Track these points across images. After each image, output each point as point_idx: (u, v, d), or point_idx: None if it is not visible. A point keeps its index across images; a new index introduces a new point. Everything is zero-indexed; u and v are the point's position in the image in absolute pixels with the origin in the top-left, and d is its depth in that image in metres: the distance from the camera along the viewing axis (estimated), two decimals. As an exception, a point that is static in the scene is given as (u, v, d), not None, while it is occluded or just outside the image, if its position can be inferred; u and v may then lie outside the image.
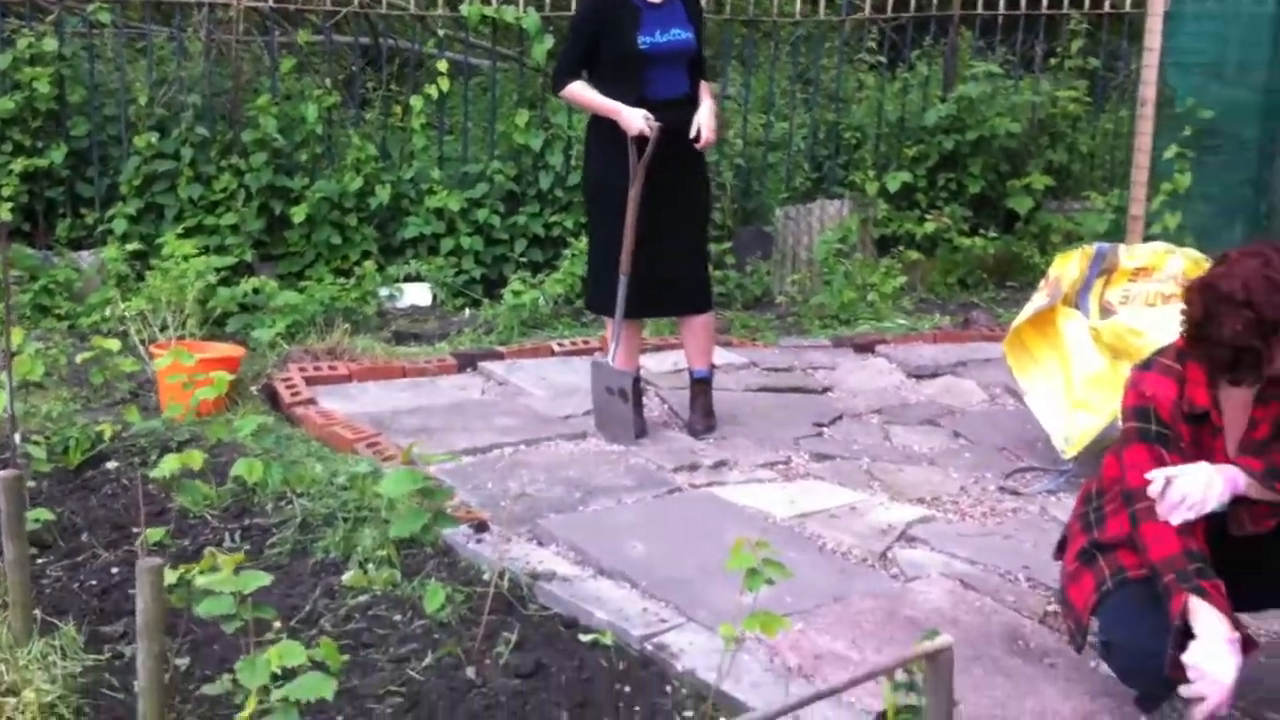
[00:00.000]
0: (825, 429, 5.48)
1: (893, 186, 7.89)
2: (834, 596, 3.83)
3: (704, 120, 4.98)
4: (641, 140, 4.90)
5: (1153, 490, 2.92)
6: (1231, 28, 5.83)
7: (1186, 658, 2.74)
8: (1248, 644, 2.80)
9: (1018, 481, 4.90)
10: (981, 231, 7.98)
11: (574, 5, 5.39)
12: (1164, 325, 4.65)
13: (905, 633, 3.52)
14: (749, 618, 3.02)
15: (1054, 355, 4.96)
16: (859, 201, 7.89)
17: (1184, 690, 2.76)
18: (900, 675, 2.88)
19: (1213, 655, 2.71)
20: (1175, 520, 2.89)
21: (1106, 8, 8.33)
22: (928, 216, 7.93)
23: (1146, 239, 6.49)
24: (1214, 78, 7.09)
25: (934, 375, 6.26)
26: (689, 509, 4.52)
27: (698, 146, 5.00)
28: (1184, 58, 6.89)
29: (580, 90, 5.06)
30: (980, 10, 8.39)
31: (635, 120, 4.88)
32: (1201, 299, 2.95)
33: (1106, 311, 5.02)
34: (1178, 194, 6.77)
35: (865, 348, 6.66)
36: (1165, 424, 3.00)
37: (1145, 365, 3.13)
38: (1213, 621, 2.75)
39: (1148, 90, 6.45)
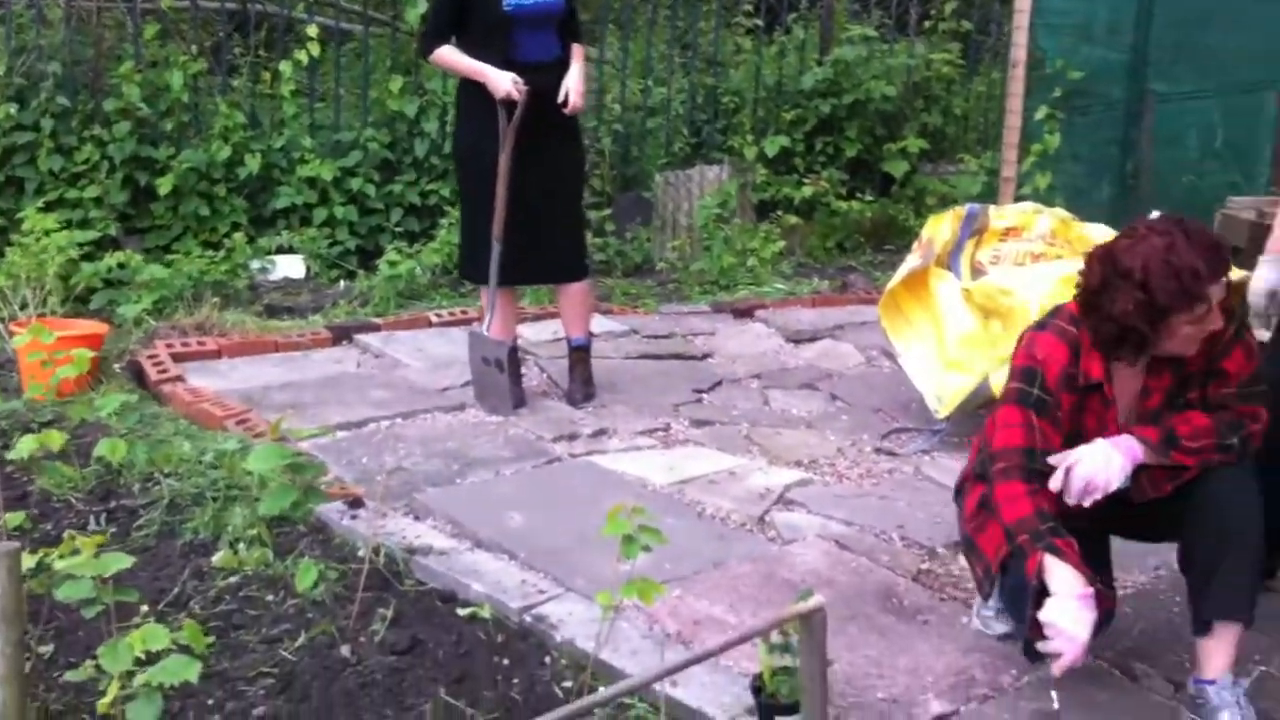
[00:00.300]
0: (705, 395, 5.49)
1: (771, 151, 7.91)
2: (713, 562, 3.83)
3: (572, 84, 4.92)
4: (510, 104, 4.83)
5: (1054, 483, 2.92)
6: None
7: (1042, 615, 2.78)
8: (1101, 599, 2.85)
9: (893, 442, 4.95)
10: (858, 195, 8.05)
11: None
12: (1033, 284, 4.74)
13: (783, 595, 3.53)
14: (626, 585, 3.01)
15: (927, 316, 5.01)
16: (738, 166, 7.91)
17: (1041, 647, 2.81)
18: (776, 637, 2.90)
19: (1066, 612, 2.75)
20: (1087, 504, 2.91)
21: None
22: (805, 181, 7.98)
23: (1018, 199, 6.59)
24: (1083, 39, 7.20)
25: (812, 339, 6.30)
26: (568, 478, 4.49)
27: (566, 111, 4.94)
28: (1053, 19, 6.99)
29: (447, 54, 4.97)
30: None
31: (503, 83, 4.81)
32: (1100, 269, 2.89)
33: (978, 272, 5.08)
34: (1048, 155, 6.87)
35: (745, 313, 6.68)
36: (1048, 390, 2.95)
37: (1041, 325, 3.05)
38: (1066, 578, 2.78)
39: (1018, 52, 6.54)
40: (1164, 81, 6.25)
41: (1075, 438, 2.97)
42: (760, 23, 8.59)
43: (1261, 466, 3.46)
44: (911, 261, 5.08)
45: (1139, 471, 2.98)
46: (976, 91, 8.96)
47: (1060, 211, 5.21)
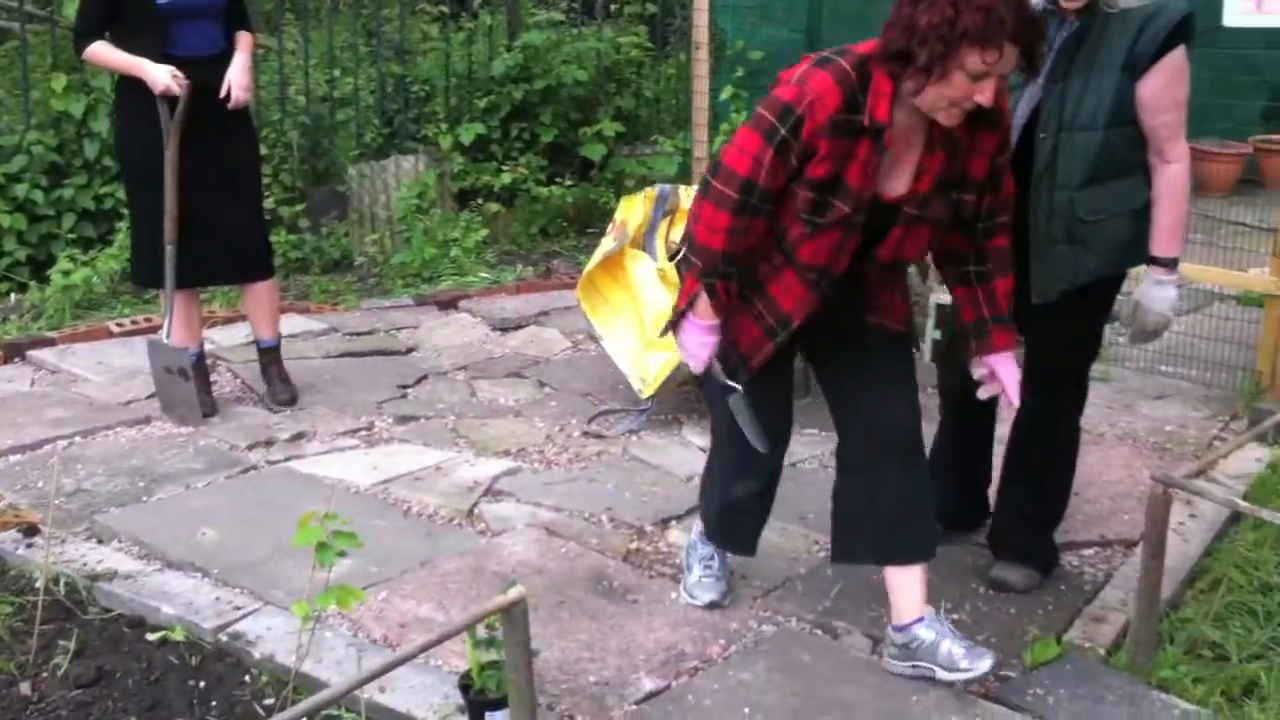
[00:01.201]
0: (410, 390, 5.36)
1: (467, 139, 7.81)
2: (420, 561, 3.74)
3: (234, 77, 4.68)
4: (171, 98, 4.58)
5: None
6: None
7: (679, 335, 3.12)
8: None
9: (601, 425, 4.95)
10: (558, 180, 8.04)
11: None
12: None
13: (492, 589, 3.47)
14: (323, 594, 2.88)
15: (626, 298, 5.03)
16: (434, 156, 7.77)
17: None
18: (481, 632, 2.84)
19: (689, 332, 3.08)
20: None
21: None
22: (504, 168, 7.91)
23: (711, 178, 6.69)
24: (762, 19, 7.39)
25: (518, 327, 6.25)
26: (265, 487, 4.30)
27: (229, 106, 4.71)
28: (731, 1, 7.13)
29: (101, 50, 4.67)
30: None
31: (160, 76, 4.54)
32: None
33: (673, 251, 5.14)
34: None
35: (449, 304, 6.57)
36: (799, 135, 2.77)
37: (824, 61, 2.82)
38: (703, 309, 3.03)
39: (699, 34, 6.63)
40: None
41: (832, 186, 2.82)
42: (446, 9, 8.46)
43: (960, 418, 3.63)
44: (606, 245, 5.09)
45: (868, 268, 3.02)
46: (666, 74, 9.08)
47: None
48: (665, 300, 4.88)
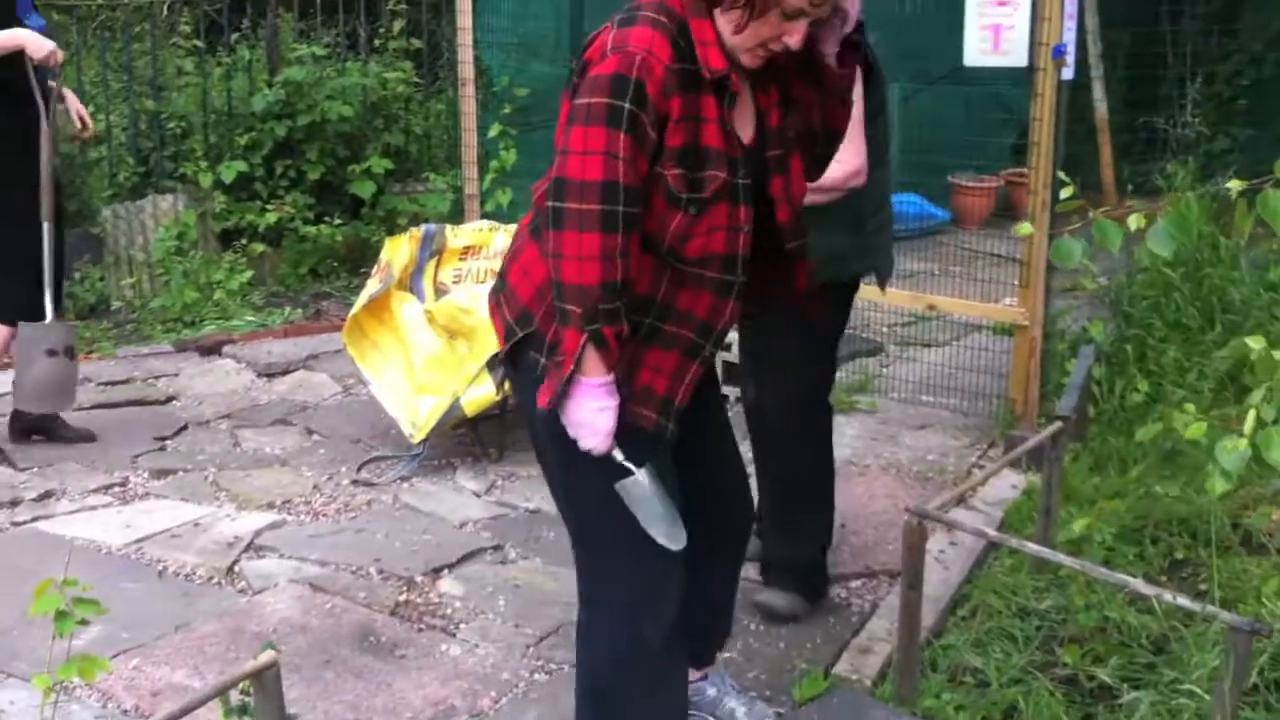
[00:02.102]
0: (169, 441, 5.13)
1: (228, 177, 7.54)
2: (175, 624, 3.56)
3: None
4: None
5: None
6: (533, 6, 6.05)
7: (570, 412, 2.42)
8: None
9: (371, 472, 4.82)
10: (327, 219, 7.84)
11: None
12: (492, 301, 4.76)
13: (252, 651, 3.30)
14: (65, 664, 2.69)
15: (393, 340, 4.93)
16: (194, 195, 7.49)
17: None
18: (236, 698, 2.70)
19: (582, 399, 2.39)
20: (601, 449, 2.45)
21: (422, -11, 8.44)
22: (269, 207, 7.68)
23: (483, 216, 6.64)
24: (530, 56, 7.38)
25: (285, 372, 6.06)
26: (8, 551, 4.05)
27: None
28: (496, 37, 7.10)
29: None
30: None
31: (46, 43, 4.61)
32: None
33: (441, 292, 5.06)
34: (505, 171, 6.98)
35: (211, 349, 6.33)
36: (646, 100, 2.32)
37: (625, 22, 2.40)
38: (592, 366, 2.37)
39: (464, 70, 6.56)
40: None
41: (696, 155, 2.40)
42: (201, 44, 8.18)
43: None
44: (372, 287, 4.99)
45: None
46: (436, 110, 8.98)
47: (515, 228, 5.27)
48: (433, 343, 4.80)
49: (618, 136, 2.29)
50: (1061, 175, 2.42)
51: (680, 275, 2.47)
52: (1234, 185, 1.88)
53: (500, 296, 2.65)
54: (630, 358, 2.46)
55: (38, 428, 5.00)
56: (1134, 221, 1.91)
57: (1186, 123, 6.47)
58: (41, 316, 4.79)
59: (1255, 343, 2.18)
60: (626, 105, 2.29)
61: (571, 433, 2.43)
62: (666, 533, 2.44)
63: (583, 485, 2.57)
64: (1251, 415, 1.99)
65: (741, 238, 2.47)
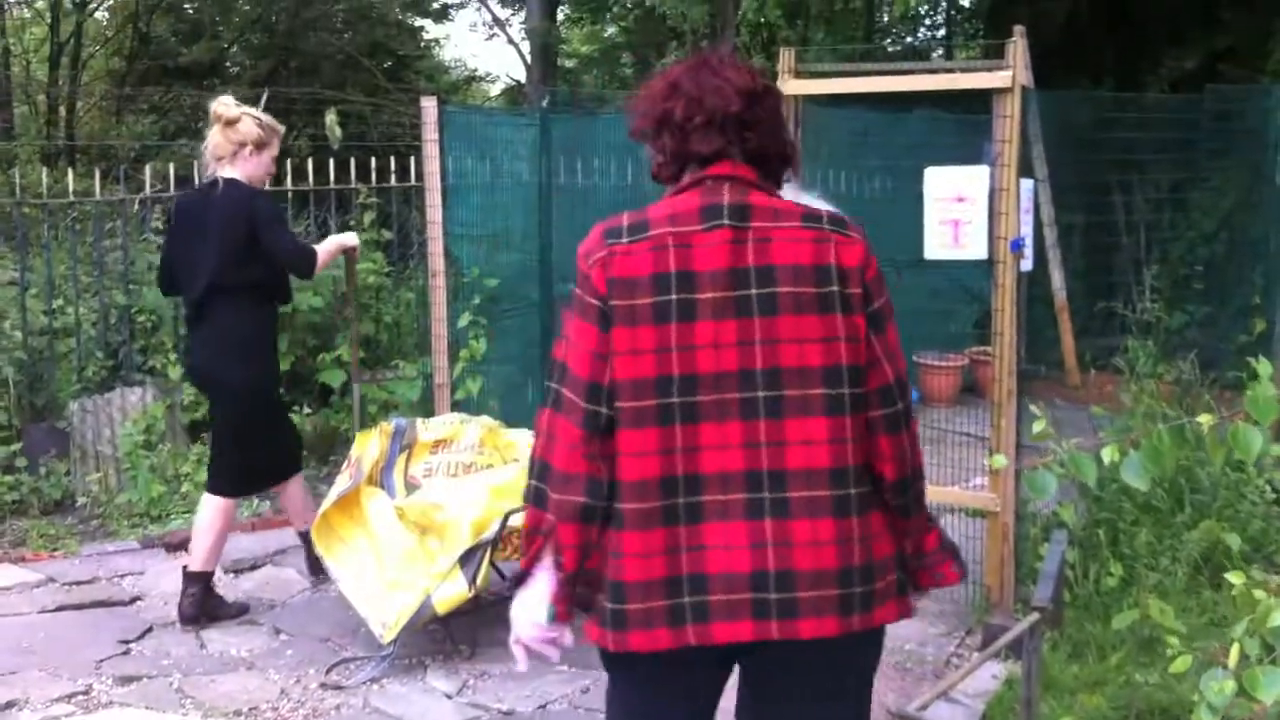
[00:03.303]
0: (133, 645, 5.03)
1: (197, 369, 7.55)
2: (137, 847, 3.44)
3: None
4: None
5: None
6: (501, 199, 6.17)
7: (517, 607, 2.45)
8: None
9: (340, 674, 4.73)
10: (296, 408, 7.84)
11: None
12: (464, 497, 4.75)
13: None
14: None
15: (363, 536, 4.89)
16: (163, 387, 7.49)
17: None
18: None
19: (526, 623, 2.43)
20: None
21: (392, 182, 8.59)
22: (238, 397, 7.66)
23: (453, 406, 6.66)
24: (499, 247, 7.49)
25: (253, 568, 5.98)
26: (-37, 771, 3.92)
27: None
28: (466, 229, 7.21)
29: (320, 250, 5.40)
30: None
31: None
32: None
33: (412, 486, 5.05)
34: (476, 360, 7.02)
35: (178, 546, 6.23)
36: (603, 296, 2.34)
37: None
38: (539, 594, 2.40)
39: (435, 261, 6.66)
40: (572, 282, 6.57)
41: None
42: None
43: None
44: (342, 484, 4.96)
45: None
46: (405, 298, 9.07)
47: (487, 420, 5.30)
48: (405, 538, 4.76)
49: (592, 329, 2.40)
50: (1033, 409, 2.46)
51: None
52: (1204, 420, 1.92)
53: None
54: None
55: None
56: (1108, 454, 1.94)
57: (1145, 308, 6.63)
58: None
59: (1236, 579, 2.20)
60: (591, 300, 2.37)
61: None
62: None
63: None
64: (1235, 649, 2.00)
65: None
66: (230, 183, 5.10)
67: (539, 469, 2.39)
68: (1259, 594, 2.05)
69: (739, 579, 2.27)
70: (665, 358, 2.29)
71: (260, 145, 5.18)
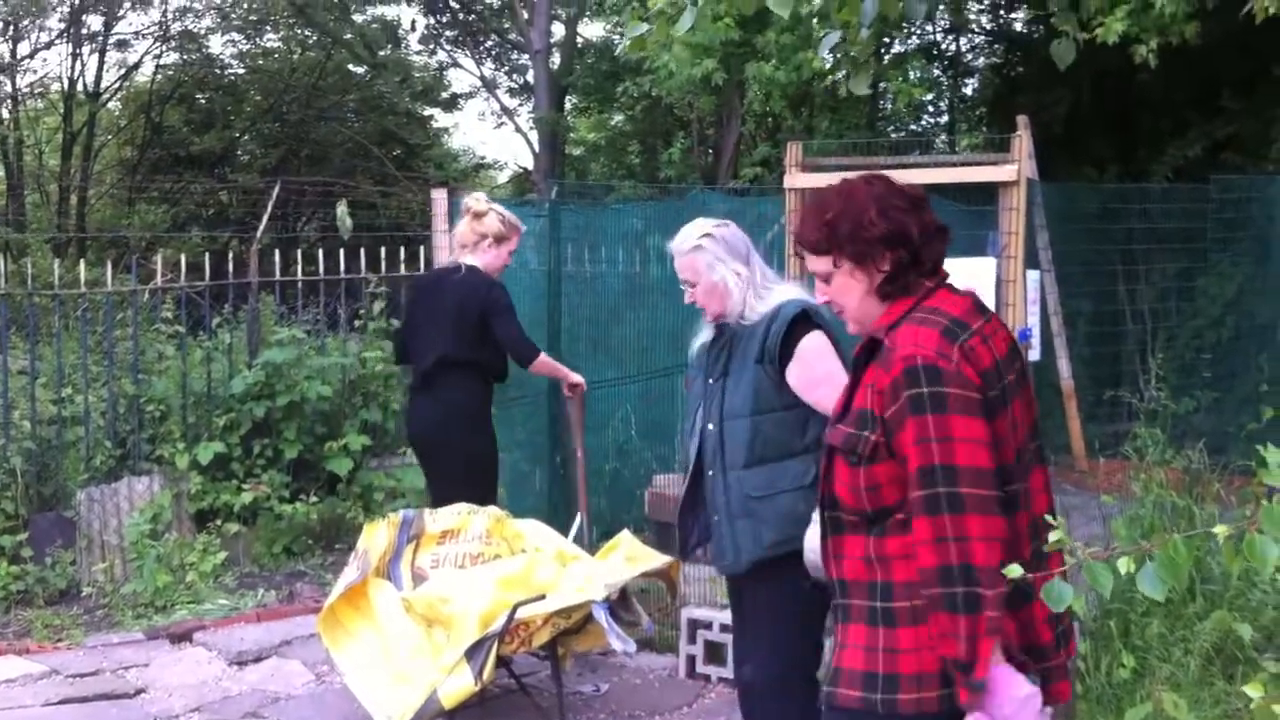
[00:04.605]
0: (135, 739, 4.99)
1: (205, 458, 7.55)
2: None
3: None
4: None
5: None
6: (511, 287, 6.17)
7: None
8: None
9: (344, 770, 4.68)
10: (303, 497, 7.83)
11: None
12: (471, 589, 4.72)
13: None
14: None
15: (369, 629, 4.84)
16: (170, 476, 7.49)
17: None
18: None
19: (1011, 689, 2.44)
20: None
21: (402, 270, 8.64)
22: (245, 486, 7.67)
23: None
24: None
25: (258, 659, 5.94)
26: None
27: None
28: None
29: (546, 359, 5.97)
30: (279, 276, 8.42)
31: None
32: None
33: (419, 578, 5.02)
34: (483, 448, 6.99)
35: (183, 636, 6.21)
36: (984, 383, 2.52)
37: (920, 322, 2.59)
38: (1016, 682, 2.45)
39: (443, 352, 6.67)
40: (584, 372, 6.58)
41: None
42: (183, 328, 8.31)
43: None
44: (349, 575, 4.93)
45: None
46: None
47: (494, 510, 5.29)
48: (411, 631, 4.73)
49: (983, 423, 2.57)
50: (1049, 518, 2.47)
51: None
52: (1220, 532, 1.92)
53: None
54: None
55: None
56: (1124, 565, 1.94)
57: (1152, 395, 6.64)
58: None
59: (1254, 690, 2.19)
60: (972, 394, 2.54)
61: None
62: None
63: None
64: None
65: None
66: (471, 269, 5.60)
67: (961, 575, 2.41)
68: (1278, 709, 2.03)
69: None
70: (1005, 445, 2.51)
71: (500, 239, 5.62)
